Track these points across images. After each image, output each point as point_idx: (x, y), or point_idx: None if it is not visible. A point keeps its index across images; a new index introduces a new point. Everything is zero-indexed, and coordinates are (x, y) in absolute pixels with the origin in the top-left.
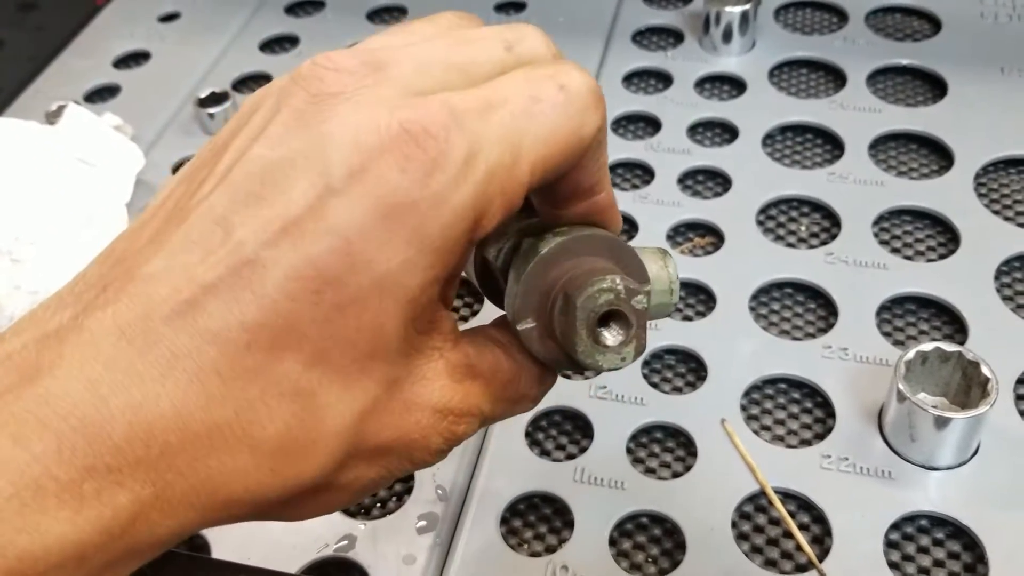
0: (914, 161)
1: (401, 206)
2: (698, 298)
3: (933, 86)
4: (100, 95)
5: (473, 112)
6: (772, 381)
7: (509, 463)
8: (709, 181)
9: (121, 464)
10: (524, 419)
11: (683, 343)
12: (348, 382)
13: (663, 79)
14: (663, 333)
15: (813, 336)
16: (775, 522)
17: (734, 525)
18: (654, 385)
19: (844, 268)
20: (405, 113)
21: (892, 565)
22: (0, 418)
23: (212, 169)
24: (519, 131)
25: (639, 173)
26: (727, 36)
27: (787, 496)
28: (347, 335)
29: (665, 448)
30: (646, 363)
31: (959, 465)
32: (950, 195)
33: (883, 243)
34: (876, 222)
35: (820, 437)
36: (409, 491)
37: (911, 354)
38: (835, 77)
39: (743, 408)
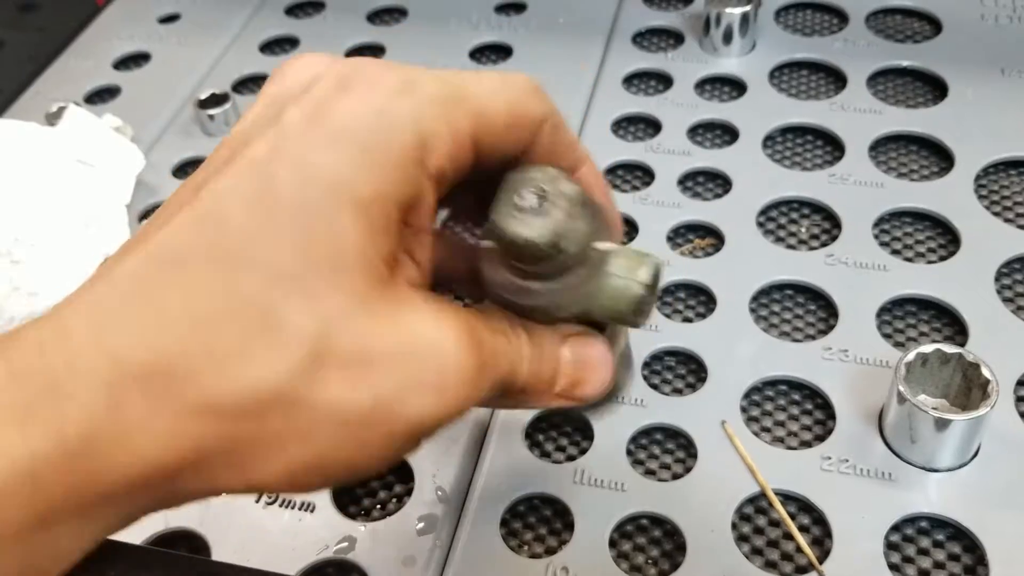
0: (915, 163)
1: (342, 118)
2: (698, 300)
3: (934, 87)
4: (100, 96)
5: (413, 69)
6: (772, 383)
7: (509, 465)
8: (709, 183)
9: (73, 377)
10: (524, 420)
11: (683, 344)
12: (311, 294)
13: (663, 80)
14: (663, 335)
15: (813, 338)
16: (775, 524)
17: (734, 527)
18: (654, 387)
19: (844, 269)
20: (344, 61)
21: (892, 567)
22: None
23: None
24: (458, 81)
25: (639, 175)
26: (727, 37)
27: (787, 498)
28: (305, 247)
29: (665, 450)
30: (646, 364)
31: (959, 467)
32: (951, 197)
33: (883, 244)
34: (876, 223)
35: (820, 439)
36: (409, 492)
37: (911, 356)
38: (835, 78)
39: (743, 410)
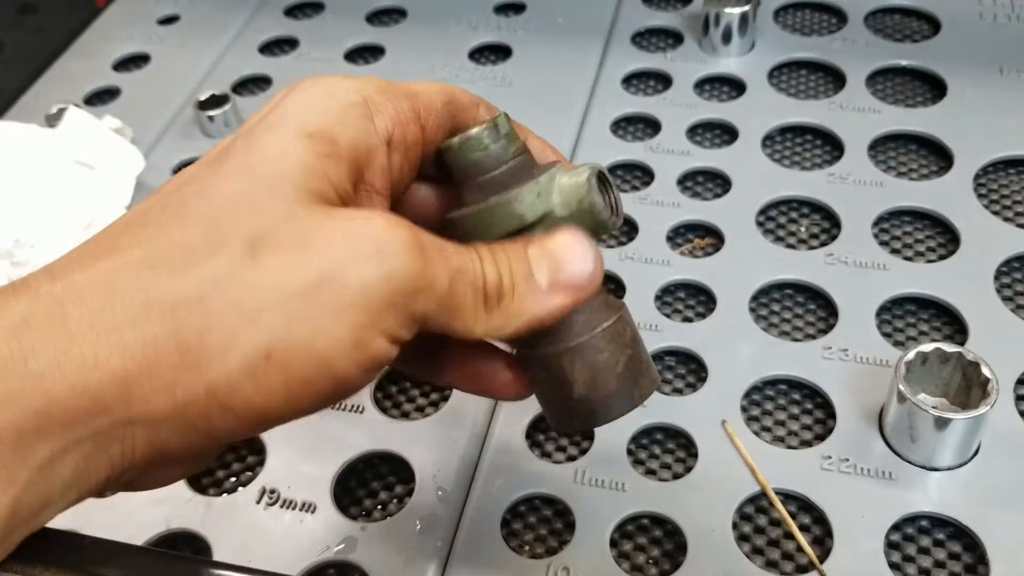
0: (914, 162)
1: (293, 99)
2: (698, 299)
3: (932, 87)
4: (100, 98)
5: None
6: (772, 382)
7: (510, 465)
8: (709, 182)
9: (24, 291)
10: (524, 421)
11: (683, 344)
12: (250, 204)
13: (662, 80)
14: (663, 334)
15: (813, 337)
16: (776, 523)
17: (735, 526)
18: None
19: (844, 269)
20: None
21: (893, 566)
22: None
23: None
24: (398, 82)
25: (639, 174)
26: (726, 37)
27: (788, 497)
28: (248, 167)
29: (666, 449)
30: None
31: (959, 466)
32: (950, 196)
33: (883, 244)
34: (876, 223)
35: (820, 438)
36: (410, 493)
37: (911, 355)
38: (834, 78)
39: (743, 409)
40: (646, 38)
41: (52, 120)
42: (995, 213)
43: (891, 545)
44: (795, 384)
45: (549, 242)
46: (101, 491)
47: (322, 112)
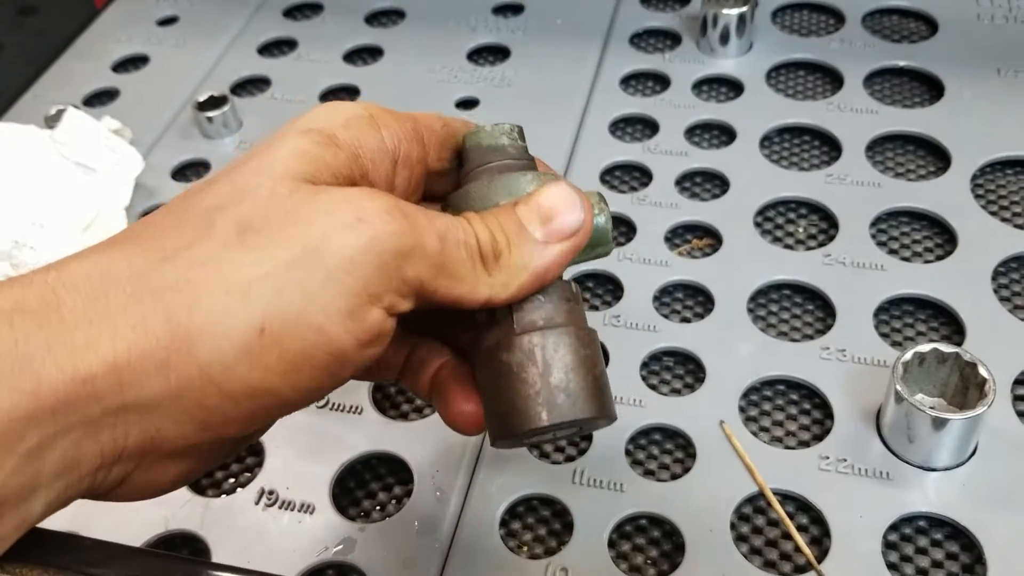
0: (911, 162)
1: (302, 119)
2: (696, 300)
3: (930, 87)
4: (99, 99)
5: None
6: (770, 382)
7: (508, 466)
8: (707, 183)
9: (20, 284)
10: None
11: (681, 345)
12: (241, 194)
13: (661, 81)
14: (661, 335)
15: (811, 337)
16: (774, 523)
17: (733, 527)
18: (652, 387)
19: (842, 269)
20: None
21: (891, 566)
22: None
23: None
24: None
25: (637, 175)
26: (724, 38)
27: (786, 497)
28: (245, 164)
29: (664, 450)
30: (644, 365)
31: (957, 466)
32: (947, 196)
33: (881, 244)
34: (874, 223)
35: (818, 438)
36: (408, 494)
37: (909, 355)
38: (832, 79)
39: (741, 410)
40: (644, 39)
41: (51, 121)
42: (993, 213)
43: (889, 545)
44: (793, 384)
45: (537, 196)
46: (94, 486)
47: (325, 119)
